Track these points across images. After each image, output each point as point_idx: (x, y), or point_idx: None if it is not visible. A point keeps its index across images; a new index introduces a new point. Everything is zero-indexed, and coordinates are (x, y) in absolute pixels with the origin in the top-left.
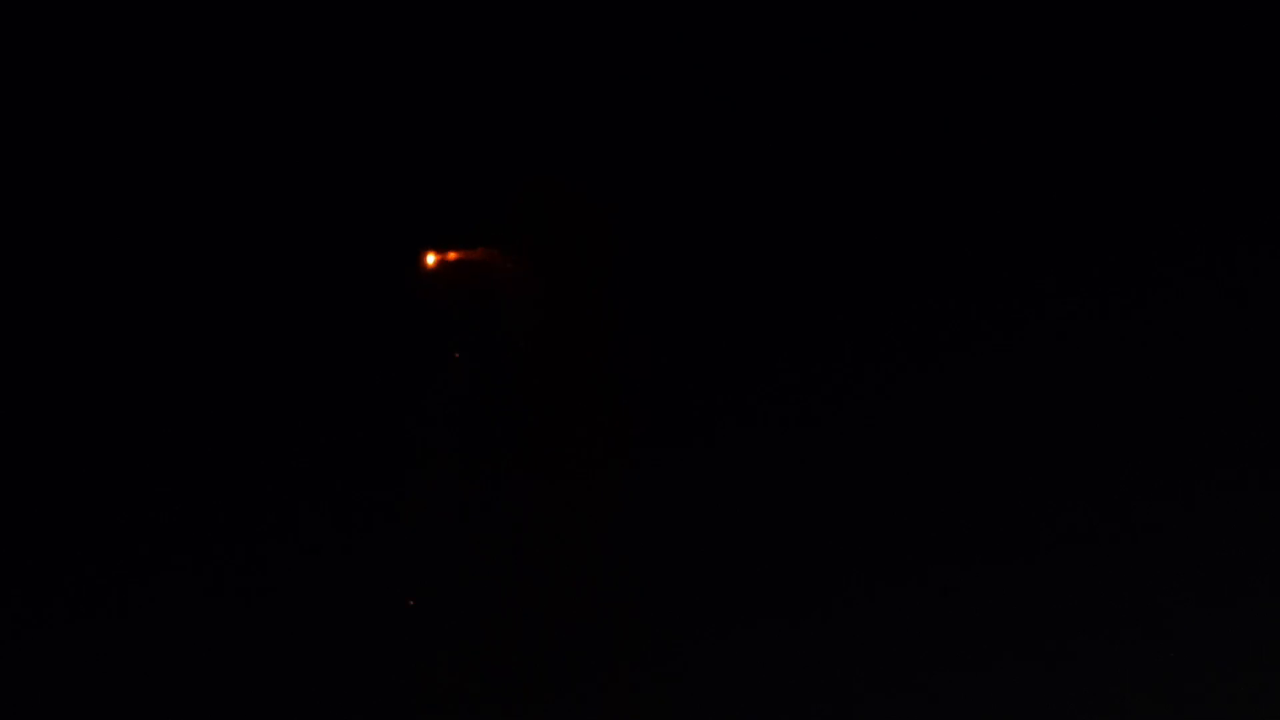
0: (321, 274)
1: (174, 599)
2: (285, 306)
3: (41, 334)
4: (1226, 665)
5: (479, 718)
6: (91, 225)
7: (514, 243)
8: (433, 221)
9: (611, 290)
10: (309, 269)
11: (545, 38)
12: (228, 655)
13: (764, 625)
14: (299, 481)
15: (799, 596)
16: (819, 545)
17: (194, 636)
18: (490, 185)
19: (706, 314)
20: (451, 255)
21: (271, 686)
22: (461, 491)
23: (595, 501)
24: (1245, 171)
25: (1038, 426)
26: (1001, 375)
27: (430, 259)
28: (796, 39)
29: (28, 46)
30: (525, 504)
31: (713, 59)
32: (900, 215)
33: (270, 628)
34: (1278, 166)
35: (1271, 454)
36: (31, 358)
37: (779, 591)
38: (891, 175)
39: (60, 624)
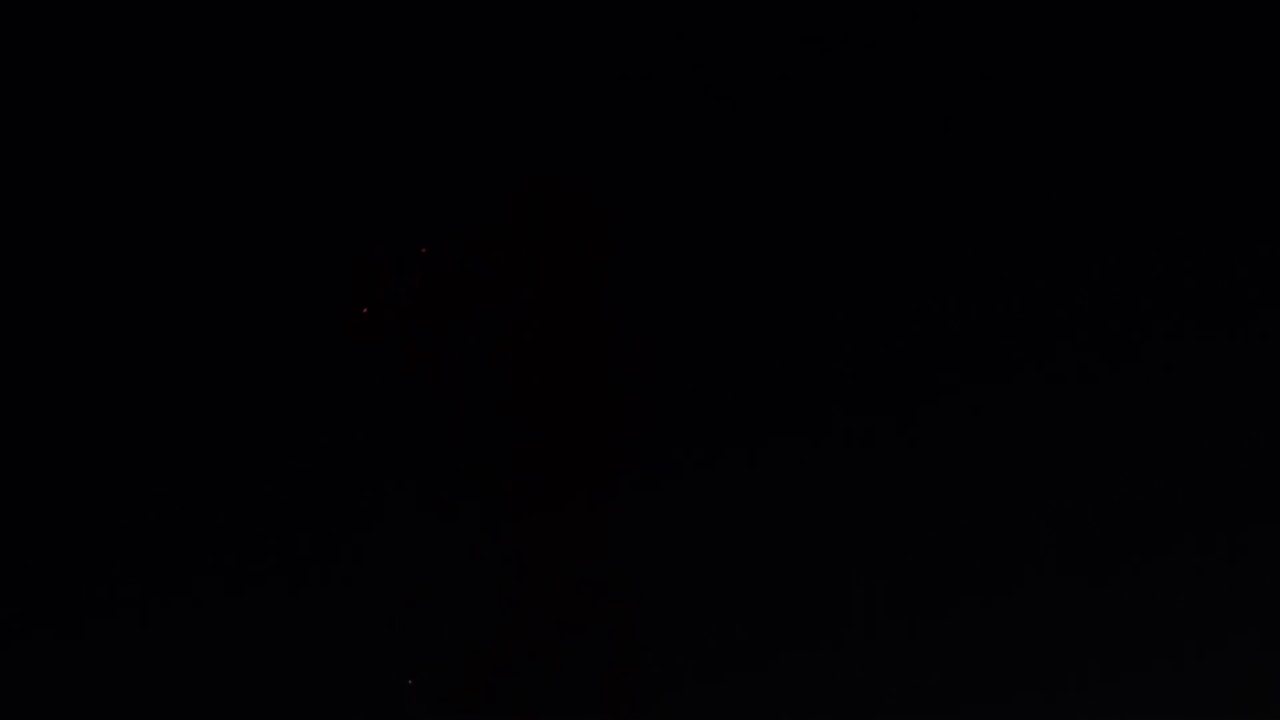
0: (309, 275)
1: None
2: (273, 309)
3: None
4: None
5: None
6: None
7: (511, 243)
8: (430, 222)
9: (612, 293)
10: (297, 270)
11: (545, 37)
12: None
13: (773, 654)
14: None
15: (809, 617)
16: (832, 560)
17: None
18: (489, 185)
19: (711, 317)
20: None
21: None
22: (442, 511)
23: (594, 519)
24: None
25: (1064, 435)
26: (1019, 379)
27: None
28: (797, 39)
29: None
30: (518, 521)
31: (713, 59)
32: (915, 213)
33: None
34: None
35: None
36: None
37: (789, 615)
38: (904, 174)
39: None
